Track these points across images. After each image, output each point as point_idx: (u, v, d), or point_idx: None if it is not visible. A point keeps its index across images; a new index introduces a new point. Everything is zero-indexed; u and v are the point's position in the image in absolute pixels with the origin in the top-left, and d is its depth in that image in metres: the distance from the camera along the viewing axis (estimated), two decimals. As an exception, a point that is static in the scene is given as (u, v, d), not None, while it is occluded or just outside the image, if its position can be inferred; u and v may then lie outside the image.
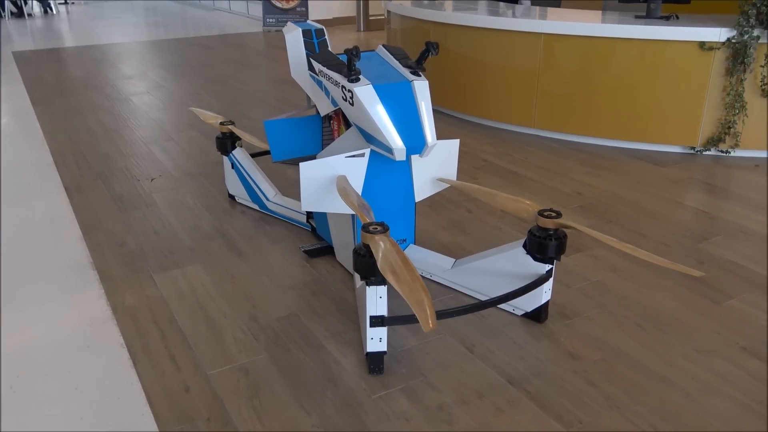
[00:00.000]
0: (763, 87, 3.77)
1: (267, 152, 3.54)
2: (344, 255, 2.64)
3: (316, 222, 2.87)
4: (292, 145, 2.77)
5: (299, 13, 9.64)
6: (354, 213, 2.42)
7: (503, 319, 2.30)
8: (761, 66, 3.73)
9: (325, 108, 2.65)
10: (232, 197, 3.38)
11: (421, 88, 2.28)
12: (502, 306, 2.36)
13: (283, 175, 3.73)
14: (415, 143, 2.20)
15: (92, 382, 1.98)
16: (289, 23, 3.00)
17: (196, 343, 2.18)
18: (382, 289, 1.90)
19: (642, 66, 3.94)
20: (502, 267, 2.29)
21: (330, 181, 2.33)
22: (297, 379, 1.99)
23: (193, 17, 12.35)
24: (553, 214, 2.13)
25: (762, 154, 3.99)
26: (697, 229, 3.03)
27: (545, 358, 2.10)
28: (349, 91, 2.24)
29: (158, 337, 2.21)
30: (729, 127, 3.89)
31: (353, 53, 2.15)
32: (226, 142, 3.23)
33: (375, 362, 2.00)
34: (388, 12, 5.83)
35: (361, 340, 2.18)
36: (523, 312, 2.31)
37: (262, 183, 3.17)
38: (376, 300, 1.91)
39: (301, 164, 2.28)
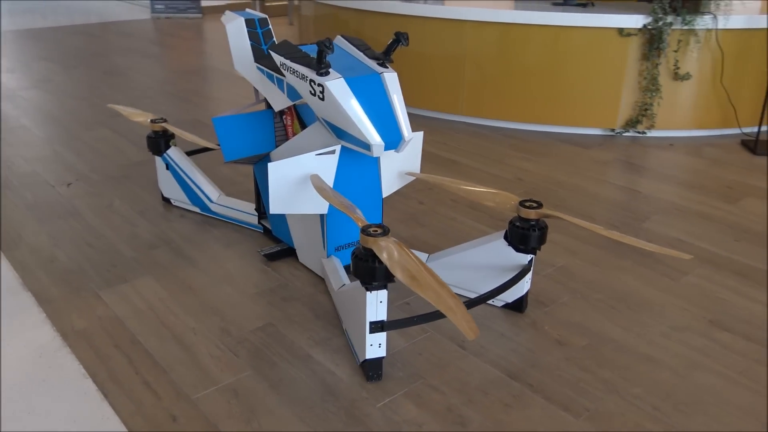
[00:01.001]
0: (675, 70, 4.01)
1: (202, 150, 3.32)
2: (310, 256, 2.52)
3: (272, 223, 2.72)
4: (245, 143, 2.60)
5: (190, -1, 9.15)
6: (322, 213, 2.30)
7: (485, 312, 2.29)
8: (674, 51, 3.96)
9: (279, 103, 2.49)
10: (166, 200, 3.13)
11: (392, 80, 2.20)
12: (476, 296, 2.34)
13: (219, 174, 3.51)
14: (392, 138, 2.12)
15: (61, 423, 1.75)
16: (227, 12, 2.79)
17: (169, 365, 1.99)
18: (383, 294, 1.81)
19: (564, 52, 4.06)
20: (482, 260, 2.27)
21: (300, 180, 2.20)
22: (293, 395, 1.87)
23: (64, 3, 11.37)
24: (535, 205, 2.13)
25: (674, 133, 4.25)
26: (636, 208, 3.17)
27: (536, 348, 2.10)
28: (320, 85, 2.11)
29: (124, 363, 2.00)
30: (645, 109, 4.11)
31: (326, 45, 2.03)
32: (159, 142, 2.98)
33: (374, 369, 1.92)
34: (299, -2, 5.64)
35: (349, 346, 2.08)
36: (503, 303, 2.30)
37: (204, 184, 2.96)
38: (377, 305, 1.83)
39: (269, 164, 2.14)
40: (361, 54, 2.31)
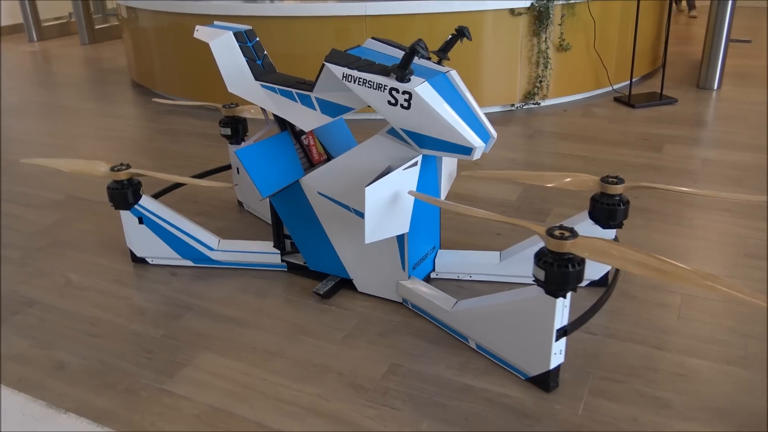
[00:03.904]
0: (561, 43, 4.36)
1: (166, 191, 2.82)
2: (377, 282, 2.28)
3: (308, 256, 2.41)
4: (278, 173, 2.25)
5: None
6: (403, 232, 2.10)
7: (574, 295, 2.29)
8: (558, 25, 4.30)
9: (309, 122, 2.20)
10: (140, 261, 2.60)
11: (458, 77, 2.07)
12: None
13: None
14: (484, 138, 2.00)
15: None
16: (199, 27, 2.40)
17: (335, 442, 1.68)
18: (569, 298, 1.73)
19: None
20: (567, 244, 2.26)
21: (391, 201, 1.98)
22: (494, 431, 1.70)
23: None
24: (616, 180, 2.18)
25: (561, 100, 4.63)
26: (599, 171, 3.40)
27: (650, 316, 2.17)
28: (405, 92, 1.91)
29: (281, 457, 1.64)
30: (540, 81, 4.41)
31: (422, 47, 1.84)
32: (126, 193, 2.45)
33: (554, 377, 1.83)
34: (129, 8, 5.00)
35: (493, 363, 1.95)
36: (588, 281, 2.33)
37: (196, 231, 2.51)
38: (563, 311, 1.73)
39: (367, 188, 1.88)
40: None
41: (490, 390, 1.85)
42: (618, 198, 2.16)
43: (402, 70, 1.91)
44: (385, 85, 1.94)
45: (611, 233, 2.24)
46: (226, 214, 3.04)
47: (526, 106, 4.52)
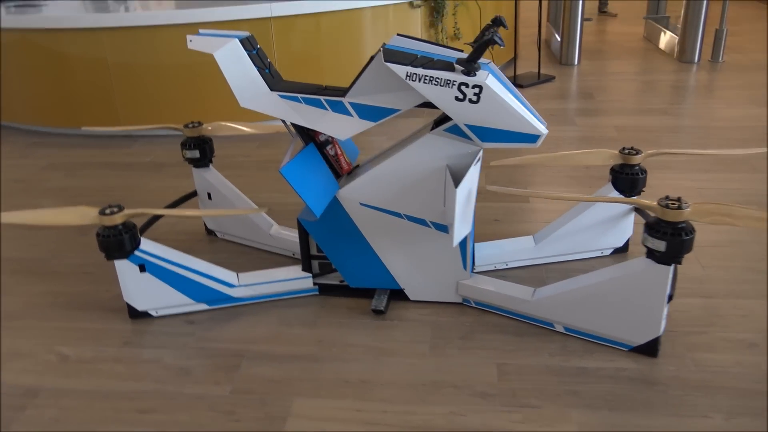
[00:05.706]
0: (455, 32, 4.51)
1: (145, 228, 2.44)
2: (432, 288, 2.21)
3: (349, 274, 2.24)
4: (321, 188, 2.05)
5: None
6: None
7: (603, 262, 2.41)
8: (452, 15, 4.44)
9: (346, 129, 2.05)
10: (141, 315, 2.23)
11: (496, 68, 2.07)
12: (589, 254, 2.46)
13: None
14: (543, 124, 2.03)
15: None
16: (193, 38, 2.11)
17: (506, 455, 1.61)
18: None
19: (371, 29, 4.14)
20: (595, 217, 2.37)
21: (468, 198, 1.93)
22: (637, 405, 1.74)
23: None
24: (634, 152, 2.33)
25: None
26: (535, 151, 3.60)
27: (679, 270, 2.36)
28: (476, 86, 1.86)
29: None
30: (440, 71, 4.52)
31: (499, 37, 1.80)
32: (123, 239, 2.08)
33: (659, 342, 1.92)
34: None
35: (588, 342, 1.99)
36: (612, 249, 2.47)
37: (212, 269, 2.22)
38: (671, 277, 1.83)
39: (458, 190, 1.81)
40: (439, 48, 2.08)
41: (605, 367, 1.89)
42: (637, 167, 2.32)
43: (471, 64, 1.85)
44: (453, 81, 1.87)
45: (632, 201, 2.39)
46: (197, 247, 2.72)
47: (428, 97, 4.61)
